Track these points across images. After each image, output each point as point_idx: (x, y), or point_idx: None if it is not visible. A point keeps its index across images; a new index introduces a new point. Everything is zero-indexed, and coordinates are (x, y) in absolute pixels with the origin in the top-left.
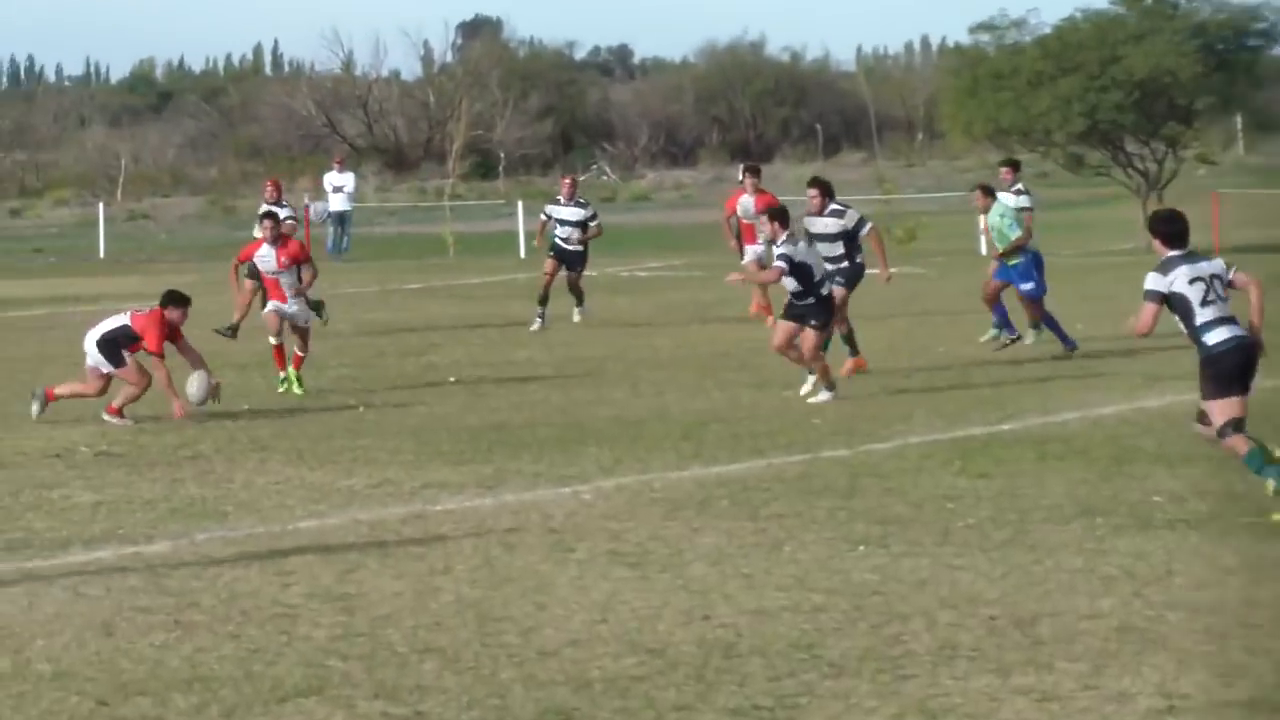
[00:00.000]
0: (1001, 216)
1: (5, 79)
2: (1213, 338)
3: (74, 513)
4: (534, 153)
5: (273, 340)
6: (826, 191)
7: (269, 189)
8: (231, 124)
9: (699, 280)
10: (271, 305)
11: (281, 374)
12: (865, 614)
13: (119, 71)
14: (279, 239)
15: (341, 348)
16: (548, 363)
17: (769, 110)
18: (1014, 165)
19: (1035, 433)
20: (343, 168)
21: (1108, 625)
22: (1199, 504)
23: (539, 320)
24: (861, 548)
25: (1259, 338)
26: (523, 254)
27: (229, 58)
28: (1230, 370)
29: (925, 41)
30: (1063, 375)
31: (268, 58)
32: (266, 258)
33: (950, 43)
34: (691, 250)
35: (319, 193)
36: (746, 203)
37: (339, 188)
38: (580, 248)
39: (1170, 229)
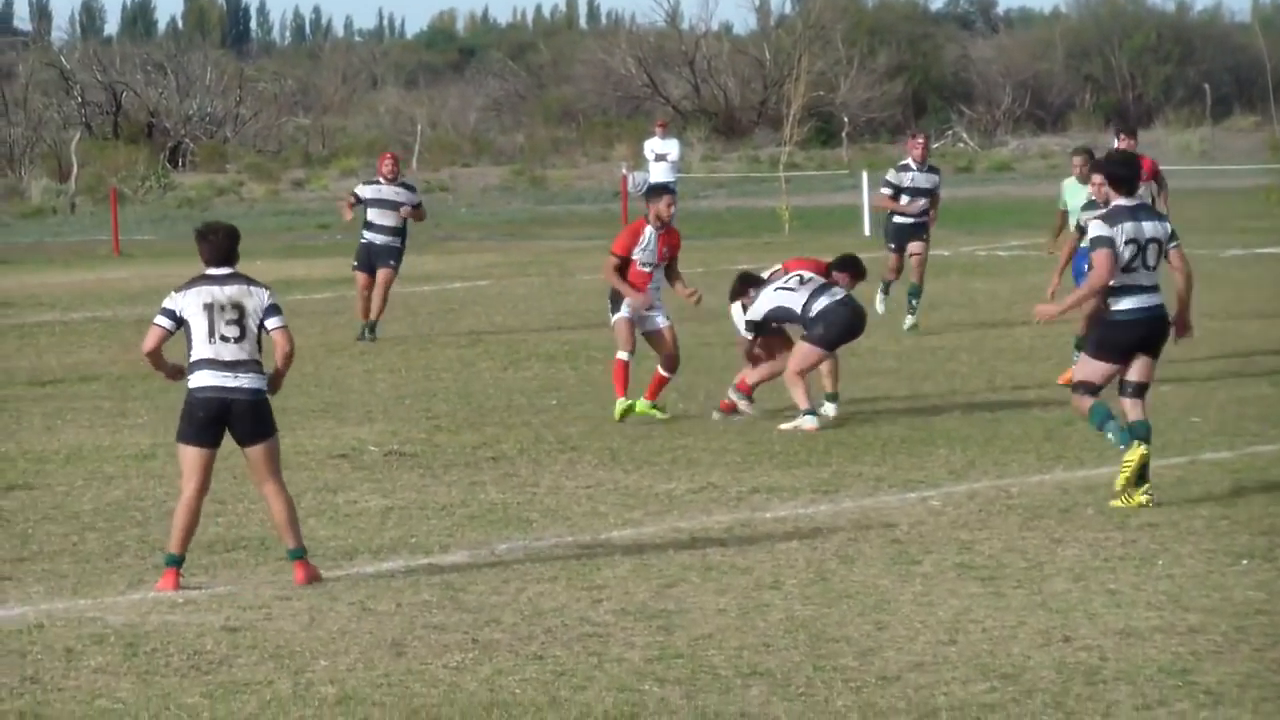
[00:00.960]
0: None
1: (289, 34)
2: (1121, 305)
3: (361, 519)
4: (882, 116)
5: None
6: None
7: (387, 163)
8: (541, 84)
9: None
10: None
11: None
12: (1248, 636)
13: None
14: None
15: None
16: (893, 353)
17: (1150, 68)
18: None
19: None
20: (666, 133)
21: None
22: None
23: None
24: (1245, 562)
25: (1184, 326)
26: (867, 231)
27: (539, 9)
28: (1123, 343)
29: None
30: None
31: (583, 9)
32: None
33: None
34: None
35: (638, 161)
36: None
37: (662, 156)
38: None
39: (1124, 172)
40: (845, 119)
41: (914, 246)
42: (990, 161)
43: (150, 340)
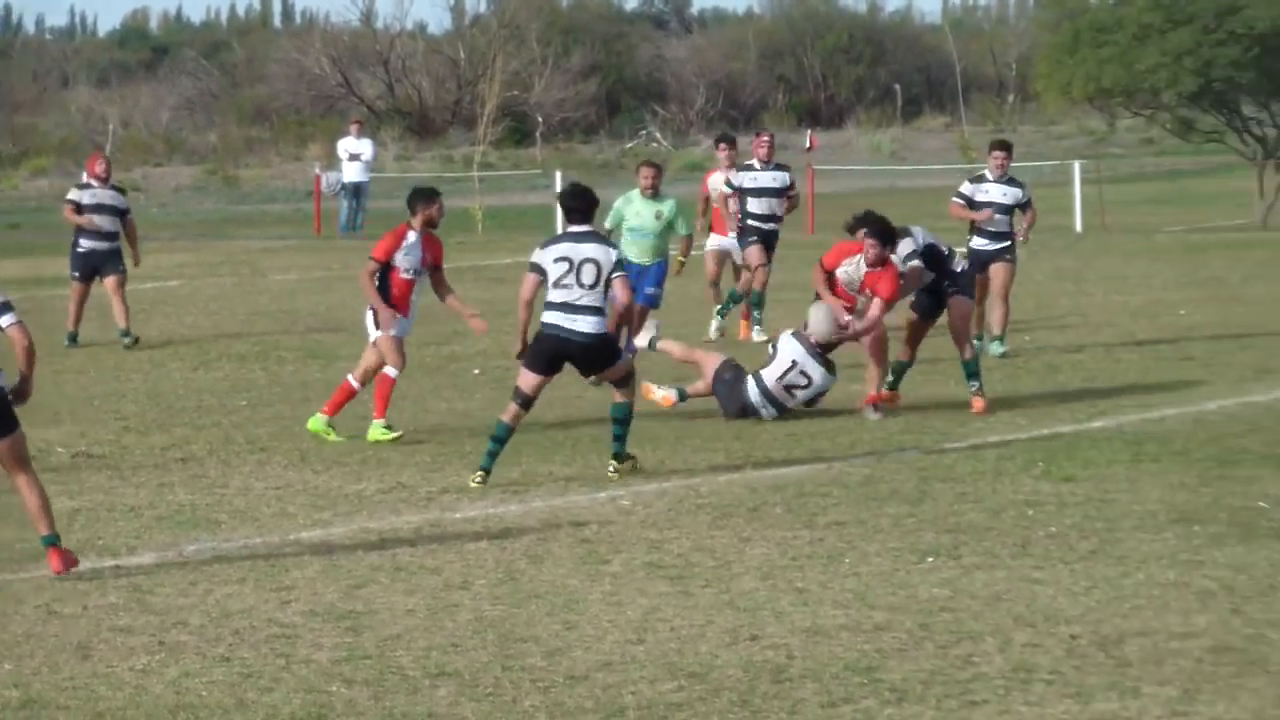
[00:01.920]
0: None
1: None
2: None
3: None
4: (575, 116)
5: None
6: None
7: (100, 164)
8: (235, 83)
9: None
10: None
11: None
12: (932, 633)
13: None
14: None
15: (353, 337)
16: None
17: (842, 68)
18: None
19: (1129, 431)
20: (360, 133)
21: (1202, 645)
22: None
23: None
24: (930, 559)
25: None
26: (560, 230)
27: (233, 8)
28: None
29: None
30: (1162, 367)
31: (277, 8)
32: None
33: None
34: None
35: (332, 160)
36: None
37: (355, 155)
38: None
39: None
40: (539, 118)
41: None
42: (683, 161)
43: None
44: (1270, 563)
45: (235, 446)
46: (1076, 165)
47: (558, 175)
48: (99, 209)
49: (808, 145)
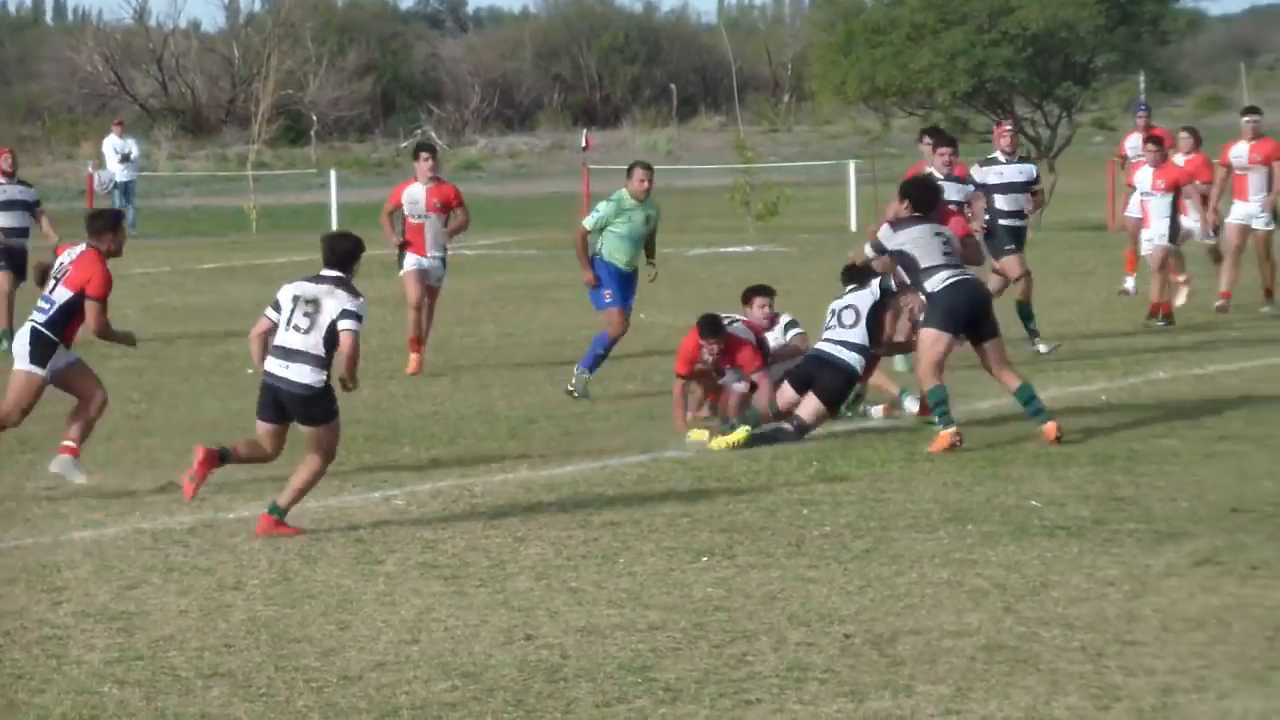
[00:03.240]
0: None
1: None
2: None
3: None
4: (351, 115)
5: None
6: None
7: (5, 159)
8: (6, 81)
9: (533, 260)
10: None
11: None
12: (706, 633)
13: None
14: None
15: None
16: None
17: (618, 68)
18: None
19: (903, 431)
20: (124, 132)
21: (974, 643)
22: (1080, 509)
23: None
24: (704, 559)
25: None
26: (335, 229)
27: (4, 6)
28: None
29: None
30: None
31: (49, 6)
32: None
33: None
34: (526, 227)
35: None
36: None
37: (125, 155)
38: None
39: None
40: (314, 117)
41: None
42: (459, 160)
43: None
44: (1042, 561)
45: (6, 447)
46: (851, 165)
47: (333, 174)
48: (9, 205)
49: (584, 145)
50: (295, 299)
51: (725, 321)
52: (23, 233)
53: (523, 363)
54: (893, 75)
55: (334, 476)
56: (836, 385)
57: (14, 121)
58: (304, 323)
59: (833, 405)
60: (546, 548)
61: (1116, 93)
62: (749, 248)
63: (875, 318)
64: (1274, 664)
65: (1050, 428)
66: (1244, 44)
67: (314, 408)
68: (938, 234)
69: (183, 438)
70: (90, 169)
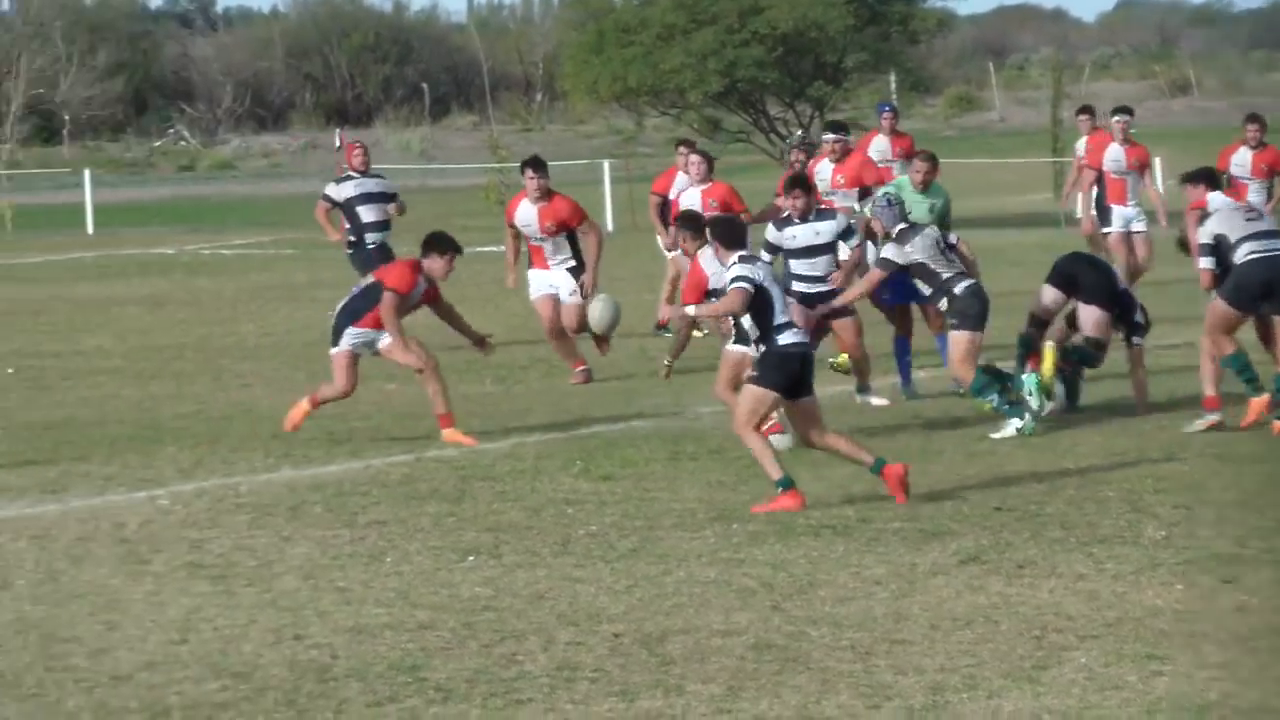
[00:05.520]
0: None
1: None
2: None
3: None
4: (103, 114)
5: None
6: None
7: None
8: None
9: (290, 259)
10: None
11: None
12: (476, 632)
13: None
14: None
15: None
16: (119, 352)
17: (369, 67)
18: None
19: (668, 430)
20: None
21: (744, 642)
22: (845, 509)
23: None
24: (471, 558)
25: None
26: (90, 229)
27: None
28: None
29: None
30: (698, 369)
31: None
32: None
33: None
34: (282, 226)
35: None
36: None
37: None
38: None
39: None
40: (66, 116)
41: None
42: (212, 160)
43: None
44: (809, 560)
45: None
46: (606, 164)
47: (87, 174)
48: (366, 199)
49: (337, 144)
50: None
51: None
52: (383, 226)
53: (284, 362)
54: (645, 75)
55: (98, 477)
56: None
57: None
58: None
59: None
60: (313, 547)
61: (869, 92)
62: (503, 247)
63: None
64: (1042, 663)
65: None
66: (992, 44)
67: None
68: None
69: None
70: None
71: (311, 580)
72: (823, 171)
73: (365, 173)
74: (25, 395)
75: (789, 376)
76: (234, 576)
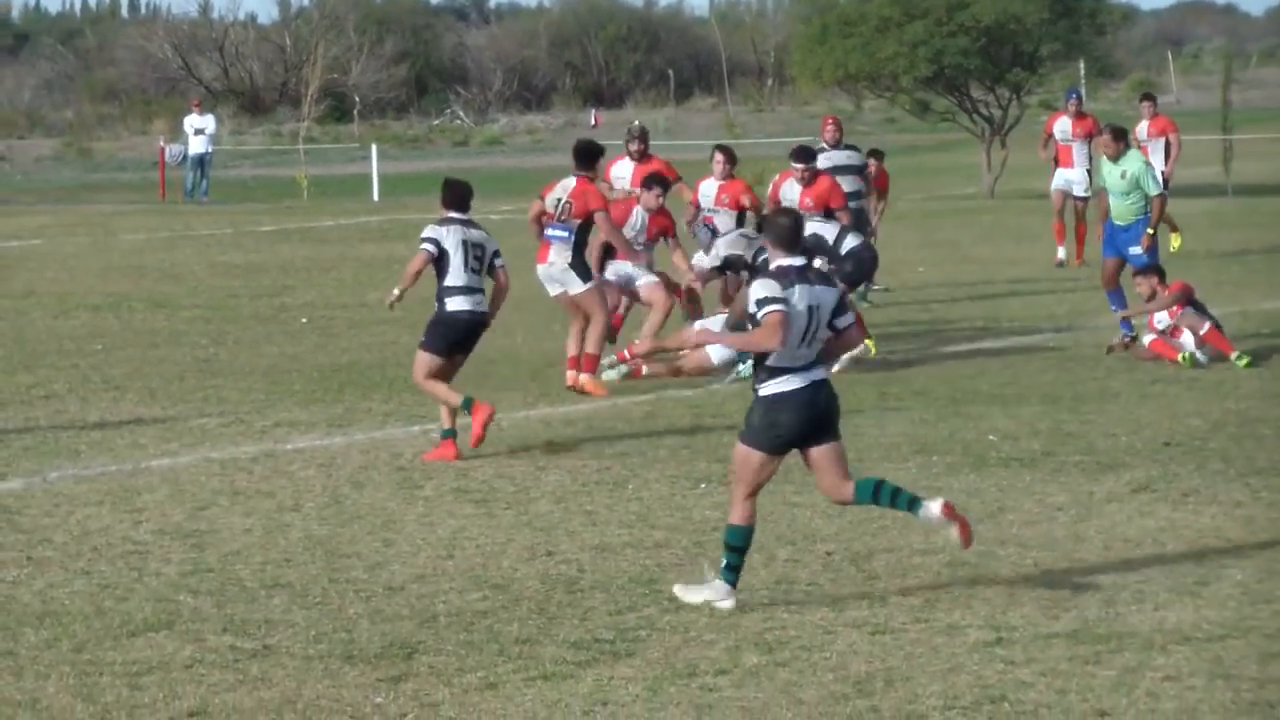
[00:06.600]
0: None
1: None
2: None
3: None
4: (388, 96)
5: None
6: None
7: None
8: (88, 67)
9: None
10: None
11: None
12: (705, 550)
13: None
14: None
15: (195, 289)
16: (400, 305)
17: (622, 56)
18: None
19: (876, 374)
20: (202, 110)
21: (940, 560)
22: (1032, 443)
23: None
24: (703, 485)
25: None
26: (376, 197)
27: (85, 1)
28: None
29: None
30: (904, 315)
31: (124, 1)
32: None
33: None
34: None
35: (175, 134)
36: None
37: (200, 130)
38: None
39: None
40: (357, 98)
41: None
42: (483, 136)
43: None
44: (998, 488)
45: (92, 385)
46: None
47: (374, 148)
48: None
49: (593, 123)
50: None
51: None
52: (856, 195)
53: (543, 314)
54: (863, 62)
55: (378, 413)
56: None
57: (95, 102)
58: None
59: None
60: (564, 475)
61: (1060, 78)
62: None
63: None
64: (1203, 579)
65: None
66: (1171, 35)
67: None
68: None
69: (245, 378)
70: (162, 143)
71: (563, 504)
72: (789, 192)
73: (836, 145)
74: (316, 342)
75: None
76: (495, 500)
